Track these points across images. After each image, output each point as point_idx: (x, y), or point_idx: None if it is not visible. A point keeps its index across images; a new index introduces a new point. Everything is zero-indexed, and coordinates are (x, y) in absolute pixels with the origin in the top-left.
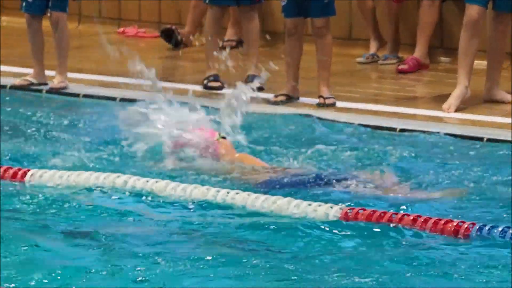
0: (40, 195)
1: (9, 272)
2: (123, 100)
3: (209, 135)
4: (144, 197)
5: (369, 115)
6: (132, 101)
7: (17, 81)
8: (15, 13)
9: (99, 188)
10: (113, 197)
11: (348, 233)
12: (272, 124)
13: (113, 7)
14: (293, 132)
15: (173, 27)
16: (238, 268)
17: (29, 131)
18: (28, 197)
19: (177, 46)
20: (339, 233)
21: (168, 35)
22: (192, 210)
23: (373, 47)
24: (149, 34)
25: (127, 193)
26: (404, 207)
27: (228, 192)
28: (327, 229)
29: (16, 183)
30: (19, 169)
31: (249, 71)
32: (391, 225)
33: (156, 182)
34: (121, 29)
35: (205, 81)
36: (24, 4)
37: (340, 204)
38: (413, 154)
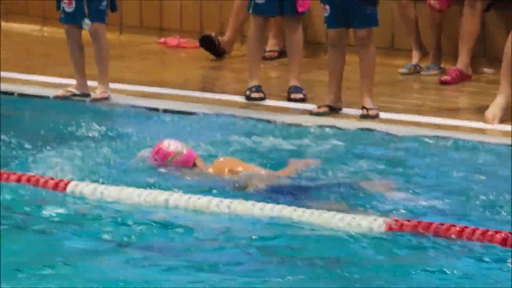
0: (80, 208)
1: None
2: (166, 111)
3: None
4: (186, 213)
5: (412, 126)
6: (174, 112)
7: (59, 92)
8: (58, 24)
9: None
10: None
11: (393, 244)
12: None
13: (154, 16)
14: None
15: (212, 33)
16: (280, 283)
17: (70, 141)
18: (67, 209)
19: (219, 56)
20: (382, 244)
21: (208, 43)
22: (235, 225)
23: (415, 57)
24: (190, 45)
25: (168, 209)
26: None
27: (274, 207)
28: (371, 241)
29: (57, 194)
30: (60, 180)
31: (291, 82)
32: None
33: (199, 198)
34: (162, 40)
35: (248, 92)
36: (63, 15)
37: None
38: (456, 166)
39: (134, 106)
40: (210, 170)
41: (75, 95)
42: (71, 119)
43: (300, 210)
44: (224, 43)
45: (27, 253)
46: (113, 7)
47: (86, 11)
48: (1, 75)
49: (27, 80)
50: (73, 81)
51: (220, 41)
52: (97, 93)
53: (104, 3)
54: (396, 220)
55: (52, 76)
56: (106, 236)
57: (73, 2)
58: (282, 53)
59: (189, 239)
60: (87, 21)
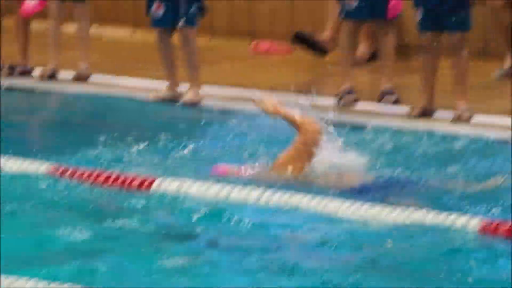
0: (165, 205)
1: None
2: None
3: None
4: (276, 211)
5: (505, 130)
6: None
7: (150, 95)
8: (149, 28)
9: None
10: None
11: (487, 244)
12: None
13: (245, 20)
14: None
15: (307, 32)
16: (371, 283)
17: (159, 142)
18: (153, 206)
19: (321, 53)
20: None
21: (302, 40)
22: (326, 224)
23: (508, 61)
24: (282, 48)
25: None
26: None
27: (361, 206)
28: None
29: (142, 193)
30: (146, 178)
31: (384, 84)
32: None
33: (290, 196)
34: (253, 43)
35: (340, 95)
36: (154, 19)
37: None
38: None
39: (225, 110)
40: (275, 169)
41: (166, 98)
42: (162, 121)
43: (389, 208)
44: (326, 41)
45: (115, 248)
46: (202, 11)
47: (176, 15)
48: (93, 79)
49: (119, 84)
50: (165, 85)
51: (321, 40)
52: (188, 96)
53: (194, 7)
54: (491, 221)
55: (143, 79)
56: (192, 233)
57: (163, 7)
58: (373, 56)
59: (279, 237)
60: (181, 22)
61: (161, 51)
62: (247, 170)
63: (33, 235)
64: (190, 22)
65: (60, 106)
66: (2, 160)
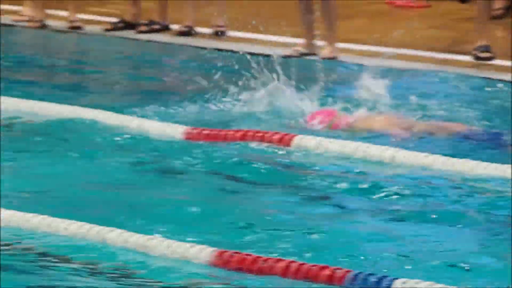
0: (305, 161)
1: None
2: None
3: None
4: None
5: None
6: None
7: (287, 52)
8: None
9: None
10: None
11: None
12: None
13: None
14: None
15: None
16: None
17: (293, 99)
18: (293, 162)
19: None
20: None
21: None
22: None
23: None
24: (418, 4)
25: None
26: None
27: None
28: None
29: (282, 148)
30: (286, 134)
31: None
32: None
33: (426, 156)
34: None
35: (476, 52)
36: None
37: None
38: None
39: (361, 66)
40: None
41: (303, 54)
42: (298, 77)
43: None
44: None
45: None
46: None
47: None
48: (230, 34)
49: (255, 39)
50: (301, 41)
51: None
52: (325, 53)
53: None
54: None
55: (281, 35)
56: (332, 190)
57: None
58: (508, 11)
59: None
60: None
61: (302, 8)
62: (343, 119)
63: (174, 197)
64: None
65: (199, 63)
66: (137, 121)
